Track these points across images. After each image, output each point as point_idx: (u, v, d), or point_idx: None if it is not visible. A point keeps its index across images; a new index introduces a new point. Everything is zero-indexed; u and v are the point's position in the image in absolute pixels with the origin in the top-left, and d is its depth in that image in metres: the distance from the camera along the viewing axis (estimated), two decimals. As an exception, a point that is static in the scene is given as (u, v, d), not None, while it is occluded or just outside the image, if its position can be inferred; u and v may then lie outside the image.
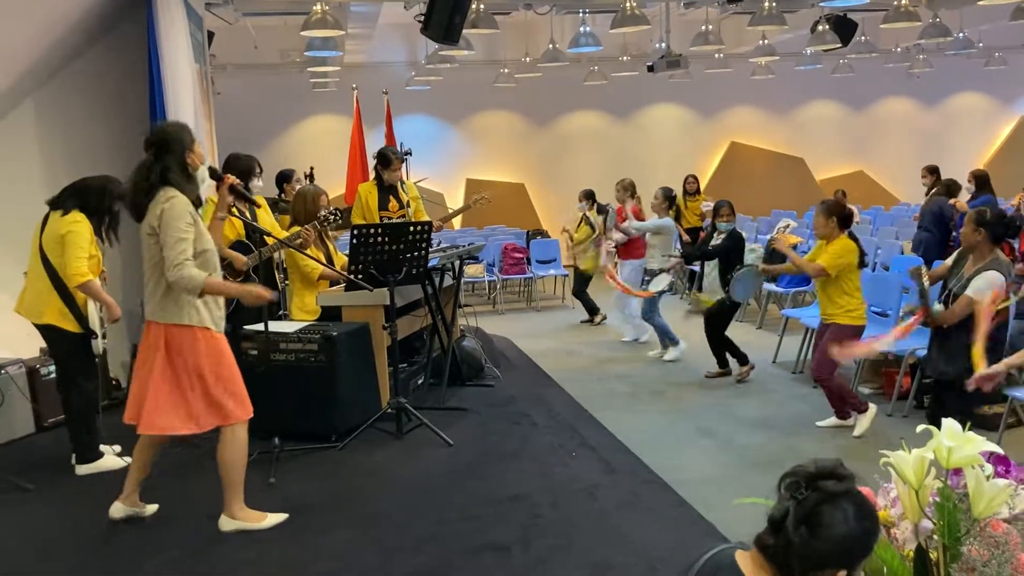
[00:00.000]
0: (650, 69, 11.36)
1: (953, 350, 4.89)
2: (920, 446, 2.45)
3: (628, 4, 8.25)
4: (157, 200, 3.91)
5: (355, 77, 12.25)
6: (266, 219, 5.89)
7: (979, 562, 2.22)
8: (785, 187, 15.50)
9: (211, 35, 8.97)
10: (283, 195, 8.71)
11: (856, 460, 4.58)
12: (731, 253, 6.99)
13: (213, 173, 4.68)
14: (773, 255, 9.23)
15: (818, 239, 5.80)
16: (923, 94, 16.50)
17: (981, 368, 4.02)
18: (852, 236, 5.62)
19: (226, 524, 4.18)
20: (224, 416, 4.06)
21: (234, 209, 5.24)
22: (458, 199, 14.03)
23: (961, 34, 11.61)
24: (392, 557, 3.91)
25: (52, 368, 5.65)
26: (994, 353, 4.57)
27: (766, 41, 11.72)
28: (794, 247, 9.08)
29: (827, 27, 9.53)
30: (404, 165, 8.11)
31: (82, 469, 5.03)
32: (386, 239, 5.29)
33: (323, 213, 5.78)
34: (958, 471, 2.36)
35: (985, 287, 4.82)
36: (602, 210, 9.03)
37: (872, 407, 5.60)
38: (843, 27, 10.08)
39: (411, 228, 5.47)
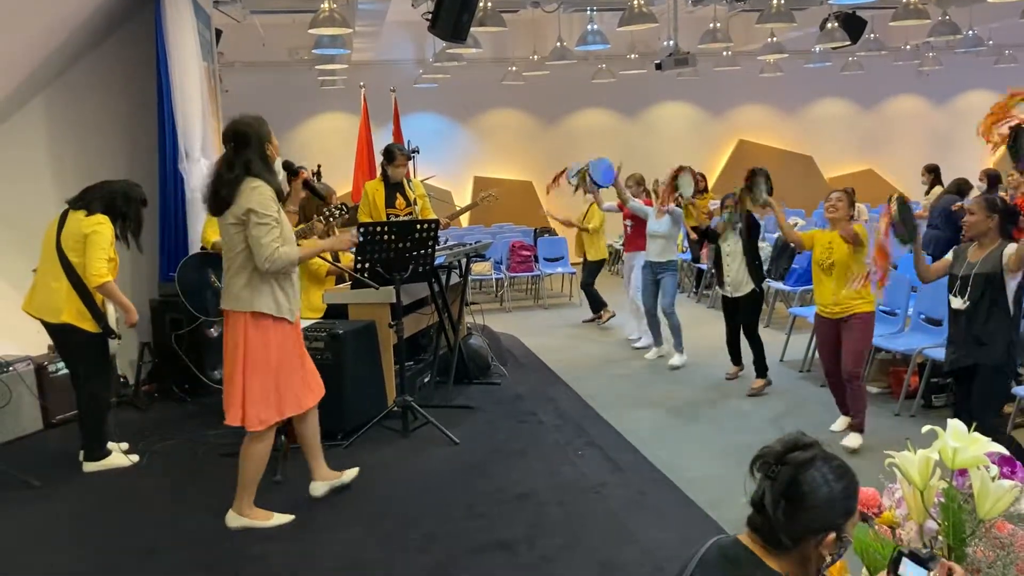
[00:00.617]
0: (658, 67, 11.31)
1: (986, 333, 4.51)
2: (926, 446, 2.44)
3: (636, 2, 8.24)
4: (243, 191, 3.95)
5: (363, 75, 12.26)
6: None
7: (984, 563, 2.21)
8: (794, 185, 15.43)
9: (219, 33, 8.99)
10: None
11: (861, 460, 4.59)
12: (756, 236, 6.83)
13: (288, 166, 4.72)
14: (783, 250, 9.23)
15: (832, 225, 5.54)
16: (932, 92, 16.43)
17: None
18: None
19: (233, 520, 4.20)
20: (279, 410, 4.13)
21: None
22: (466, 197, 14.03)
23: (971, 32, 11.56)
24: (398, 555, 3.91)
25: (60, 365, 5.68)
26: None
27: (775, 39, 11.70)
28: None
29: (836, 24, 9.50)
30: (412, 163, 8.10)
31: (90, 466, 5.06)
32: (393, 237, 5.29)
33: (327, 209, 5.78)
34: (963, 472, 2.36)
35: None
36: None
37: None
38: (852, 24, 10.04)
39: (418, 226, 5.47)
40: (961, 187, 8.85)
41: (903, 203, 4.78)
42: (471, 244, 7.15)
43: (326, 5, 7.46)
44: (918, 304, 6.53)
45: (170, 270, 6.33)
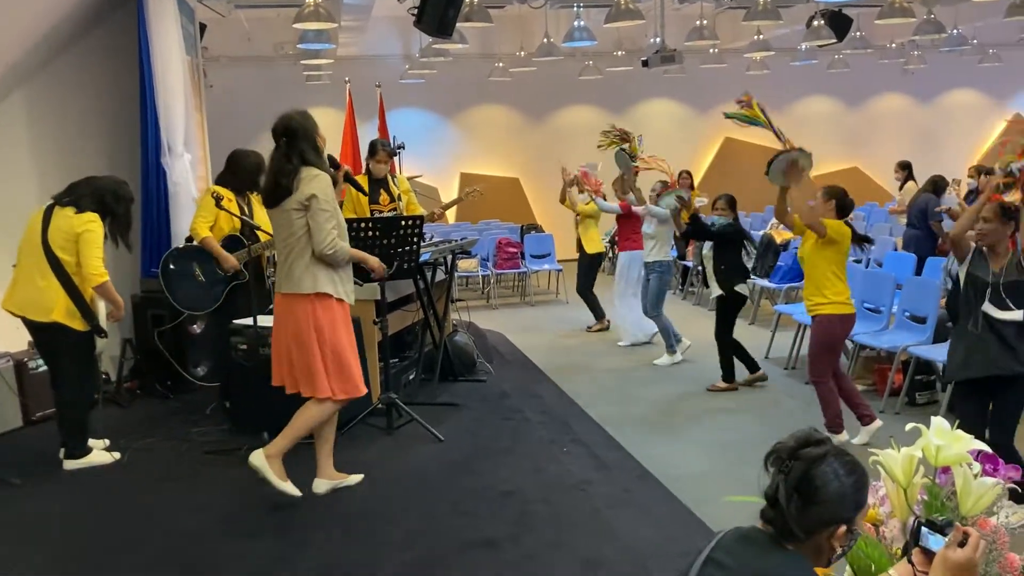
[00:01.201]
0: (644, 64, 11.32)
1: (1021, 343, 4.24)
2: (909, 444, 2.44)
3: (622, -2, 8.22)
4: (303, 179, 4.15)
5: (348, 70, 12.21)
6: (260, 214, 5.86)
7: (967, 560, 2.20)
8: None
9: (203, 27, 8.92)
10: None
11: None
12: (732, 241, 6.81)
13: (331, 160, 4.76)
14: (768, 248, 9.25)
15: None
16: (918, 90, 16.50)
17: None
18: (848, 225, 5.44)
19: (321, 486, 4.43)
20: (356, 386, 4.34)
21: (224, 204, 5.22)
22: (452, 193, 13.99)
23: (955, 31, 11.62)
24: (381, 552, 3.89)
25: (40, 362, 5.62)
26: None
27: (761, 36, 11.72)
28: (787, 242, 9.12)
29: (822, 22, 9.53)
30: (398, 159, 8.06)
31: (70, 464, 5.00)
32: (377, 233, 5.26)
33: None
34: (946, 469, 2.36)
35: None
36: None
37: (878, 422, 5.38)
38: (838, 22, 10.08)
39: (402, 222, 5.44)
40: (937, 184, 8.88)
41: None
42: (457, 241, 7.12)
43: (311, 0, 7.42)
44: (902, 302, 6.56)
45: (152, 265, 6.28)
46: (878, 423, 5.41)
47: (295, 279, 4.22)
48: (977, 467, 2.34)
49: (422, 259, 5.84)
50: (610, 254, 11.29)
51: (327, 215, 4.16)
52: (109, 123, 6.75)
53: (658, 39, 10.85)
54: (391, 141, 8.23)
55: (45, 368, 5.34)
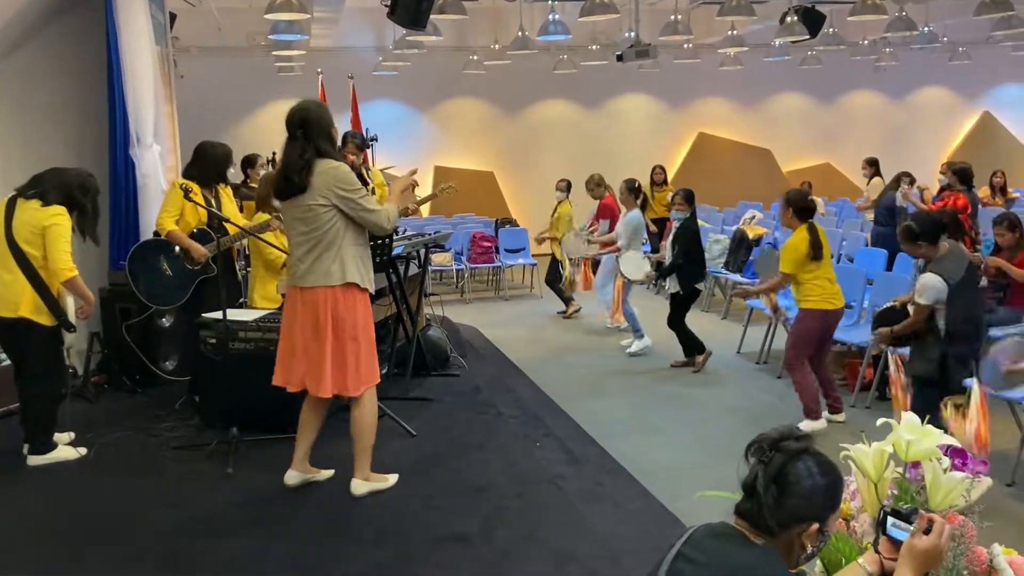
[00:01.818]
0: (619, 58, 11.34)
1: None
2: (880, 439, 2.45)
3: (597, -8, 8.21)
4: (322, 171, 4.11)
5: (321, 61, 12.10)
6: (229, 206, 5.80)
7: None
8: (752, 178, 15.57)
9: (173, 16, 8.80)
10: (248, 180, 8.58)
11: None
12: (689, 250, 6.99)
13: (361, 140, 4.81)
14: (741, 243, 9.30)
15: (784, 228, 5.83)
16: (889, 88, 16.65)
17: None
18: (812, 227, 5.55)
19: (360, 487, 4.38)
20: (372, 376, 4.33)
21: (193, 196, 5.15)
22: (426, 187, 13.92)
23: (926, 28, 11.72)
24: (351, 548, 3.86)
25: (3, 356, 5.51)
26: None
27: (735, 32, 11.75)
28: (759, 238, 9.18)
29: (796, 19, 9.56)
30: (371, 151, 8.01)
31: (35, 460, 4.91)
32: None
33: None
34: (916, 464, 2.37)
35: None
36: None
37: (823, 421, 5.58)
38: (811, 19, 10.12)
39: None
40: (901, 182, 8.95)
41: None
42: (430, 234, 7.08)
43: (283, -10, 7.33)
44: (874, 297, 6.61)
45: (121, 258, 6.19)
46: (822, 423, 5.57)
47: (322, 272, 4.15)
48: (946, 462, 2.35)
49: (395, 253, 5.80)
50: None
51: (366, 198, 4.17)
52: (75, 113, 6.64)
53: (632, 34, 10.86)
54: (364, 133, 8.19)
55: (8, 363, 5.23)
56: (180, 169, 6.81)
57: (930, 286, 4.68)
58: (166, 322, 6.25)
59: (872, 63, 15.58)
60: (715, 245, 9.55)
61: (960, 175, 8.46)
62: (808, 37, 10.18)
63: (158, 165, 6.54)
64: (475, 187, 14.38)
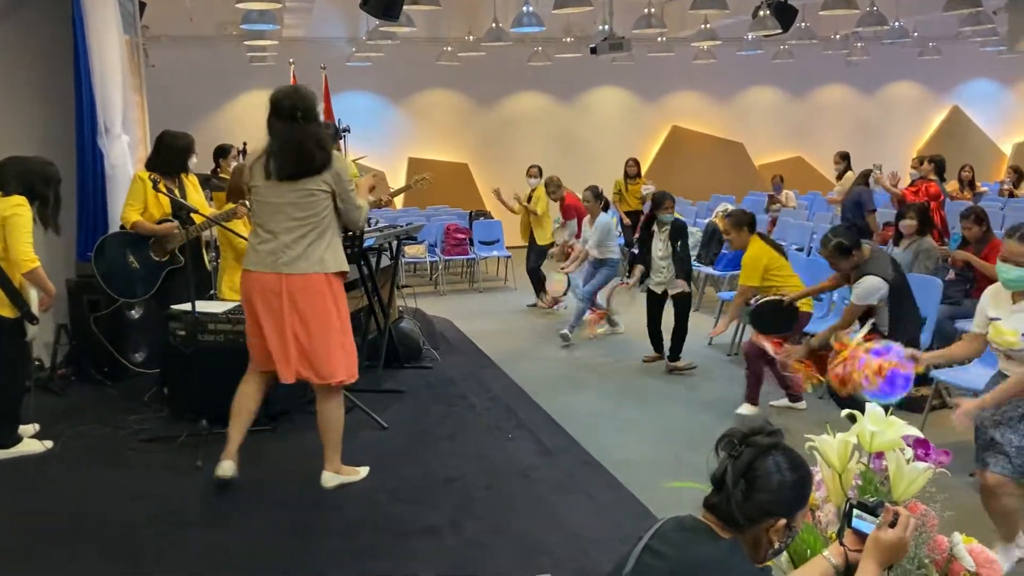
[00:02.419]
0: (593, 51, 11.33)
1: None
2: (845, 430, 2.48)
3: (571, -16, 8.20)
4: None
5: (293, 52, 12.01)
6: (194, 196, 5.74)
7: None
8: (725, 172, 15.67)
9: (143, 5, 8.67)
10: (219, 170, 8.50)
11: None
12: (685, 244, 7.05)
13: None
14: (713, 236, 9.35)
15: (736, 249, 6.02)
16: (860, 82, 16.80)
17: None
18: (760, 235, 5.91)
19: (331, 480, 4.34)
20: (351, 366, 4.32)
21: (161, 186, 5.09)
22: (400, 178, 13.88)
23: (897, 23, 11.82)
24: (319, 541, 3.85)
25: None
26: None
27: (708, 25, 11.79)
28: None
29: (768, 13, 9.61)
30: (343, 142, 7.95)
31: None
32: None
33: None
34: (880, 454, 2.40)
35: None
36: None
37: (756, 408, 5.69)
38: (784, 13, 10.16)
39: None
40: (867, 176, 9.02)
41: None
42: (402, 226, 7.06)
43: (254, -21, 7.26)
44: (842, 289, 6.66)
45: (88, 249, 6.08)
46: (756, 409, 5.69)
47: (315, 259, 4.12)
48: (909, 452, 2.38)
49: (366, 245, 5.77)
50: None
51: (354, 190, 4.24)
52: (42, 104, 6.52)
53: (606, 26, 10.86)
54: (337, 124, 8.13)
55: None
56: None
57: (876, 287, 4.96)
58: (135, 314, 6.18)
59: (843, 57, 15.72)
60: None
61: (937, 166, 8.65)
62: (780, 31, 10.23)
63: (127, 155, 6.45)
64: (449, 179, 14.35)
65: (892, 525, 2.03)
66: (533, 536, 3.86)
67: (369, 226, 6.02)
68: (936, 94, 17.25)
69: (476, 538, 3.85)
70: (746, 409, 5.68)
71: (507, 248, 11.41)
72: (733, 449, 2.03)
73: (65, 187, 5.11)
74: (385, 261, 6.78)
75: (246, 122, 13.08)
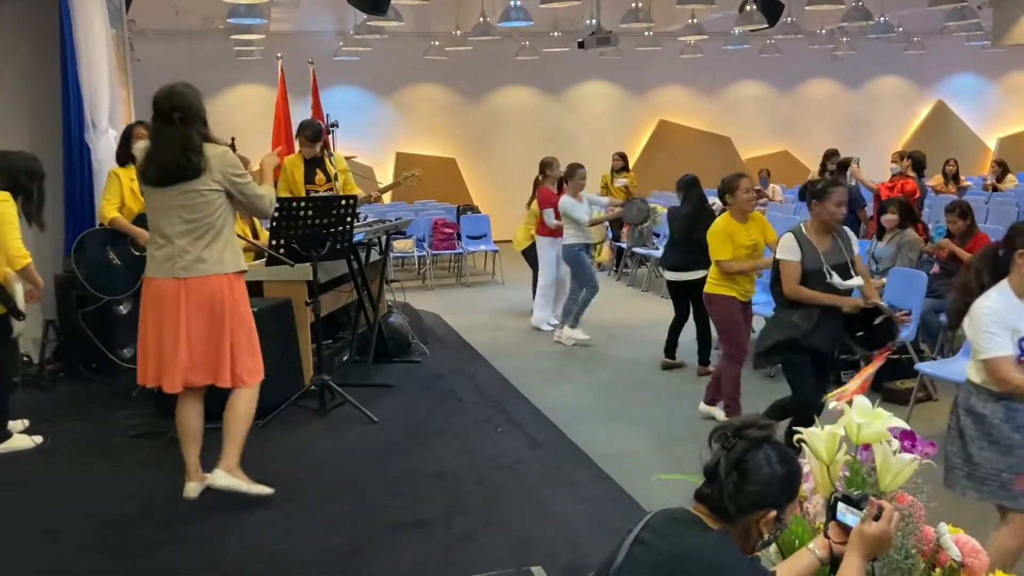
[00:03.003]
0: (580, 45, 11.35)
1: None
2: (832, 422, 2.51)
3: (558, -21, 8.21)
4: (213, 156, 3.95)
5: (281, 46, 11.96)
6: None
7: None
8: (712, 165, 15.65)
9: (129, -1, 8.62)
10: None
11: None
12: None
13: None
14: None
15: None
16: (846, 76, 16.88)
17: None
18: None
19: (223, 479, 4.07)
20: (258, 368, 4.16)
21: (133, 183, 5.07)
22: (388, 173, 13.87)
23: (882, 18, 11.89)
24: (310, 535, 3.86)
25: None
26: None
27: (695, 20, 11.83)
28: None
29: (754, 7, 9.65)
30: (331, 137, 7.92)
31: (-11, 450, 4.84)
32: (311, 213, 5.17)
33: None
34: (867, 446, 2.43)
35: None
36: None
37: (718, 411, 5.53)
38: (770, 8, 10.22)
39: (336, 202, 5.36)
40: (847, 167, 9.06)
41: None
42: (391, 221, 7.06)
43: (241, -27, 7.24)
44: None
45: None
46: (719, 412, 5.53)
47: (215, 260, 3.97)
48: (896, 444, 2.41)
49: (355, 239, 5.77)
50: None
51: (248, 181, 4.05)
52: (28, 98, 6.48)
53: (594, 21, 10.88)
54: (325, 119, 8.11)
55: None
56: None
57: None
58: (123, 309, 6.17)
59: (829, 52, 15.79)
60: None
61: (915, 162, 8.63)
62: (767, 26, 10.29)
63: (113, 150, 6.43)
64: (437, 173, 14.34)
65: (876, 518, 2.06)
66: (523, 529, 3.88)
67: (358, 221, 6.02)
68: (921, 88, 17.35)
69: (466, 532, 3.87)
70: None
71: (494, 242, 11.42)
72: (727, 441, 2.06)
73: (52, 182, 5.10)
74: (374, 256, 6.79)
75: (233, 117, 13.04)
